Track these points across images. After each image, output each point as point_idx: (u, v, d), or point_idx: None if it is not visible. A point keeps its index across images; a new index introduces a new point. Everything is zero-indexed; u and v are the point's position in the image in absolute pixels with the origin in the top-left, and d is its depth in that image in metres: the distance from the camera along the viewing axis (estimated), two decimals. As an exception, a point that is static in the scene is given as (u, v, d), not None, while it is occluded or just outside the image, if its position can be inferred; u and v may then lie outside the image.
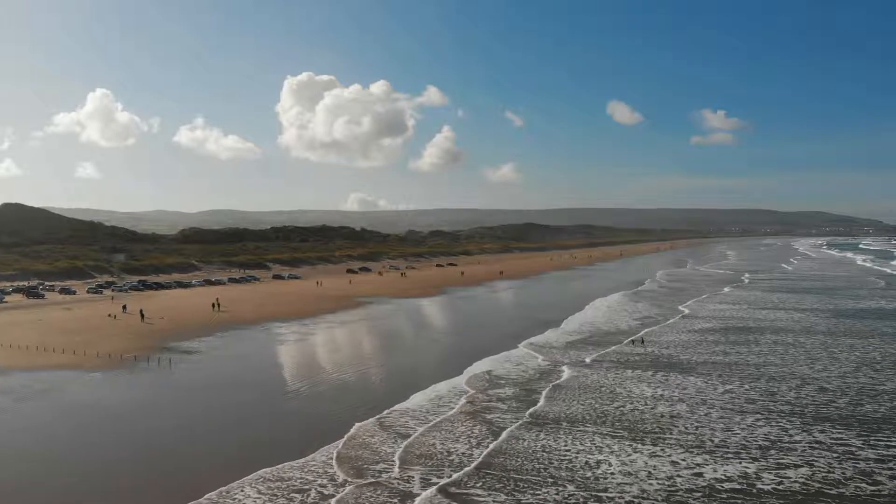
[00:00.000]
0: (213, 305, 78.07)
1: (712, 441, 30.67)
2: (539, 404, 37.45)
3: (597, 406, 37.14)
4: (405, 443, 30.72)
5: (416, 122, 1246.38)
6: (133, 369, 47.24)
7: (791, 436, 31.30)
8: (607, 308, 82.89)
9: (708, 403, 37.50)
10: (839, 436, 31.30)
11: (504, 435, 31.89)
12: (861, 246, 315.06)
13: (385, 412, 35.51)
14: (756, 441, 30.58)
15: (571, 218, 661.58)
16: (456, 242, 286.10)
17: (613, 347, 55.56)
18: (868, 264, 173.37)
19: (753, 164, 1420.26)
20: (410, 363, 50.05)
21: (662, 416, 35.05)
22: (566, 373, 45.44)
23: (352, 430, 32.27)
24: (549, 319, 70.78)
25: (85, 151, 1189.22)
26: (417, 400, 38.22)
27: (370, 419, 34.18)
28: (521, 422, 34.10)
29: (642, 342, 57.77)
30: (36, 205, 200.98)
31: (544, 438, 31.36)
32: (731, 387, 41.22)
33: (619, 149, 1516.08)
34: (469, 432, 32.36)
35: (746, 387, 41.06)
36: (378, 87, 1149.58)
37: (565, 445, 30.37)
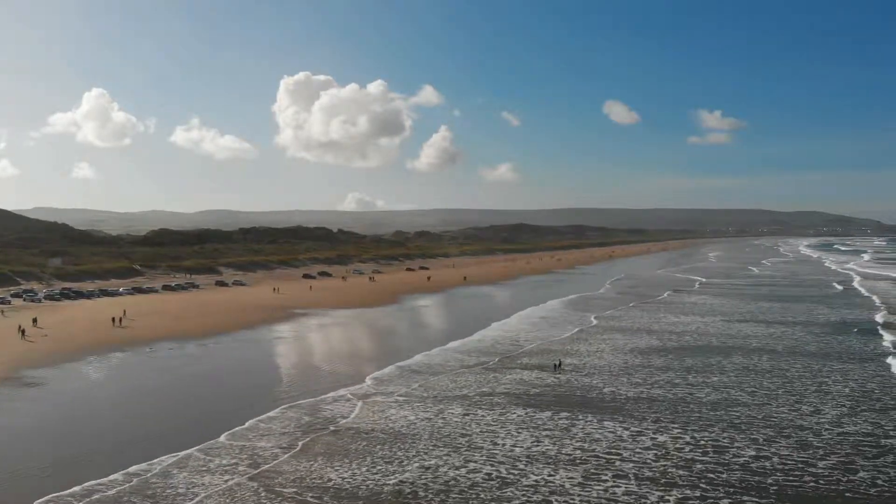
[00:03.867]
0: (114, 320, 69.14)
1: (604, 545, 21.72)
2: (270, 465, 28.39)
3: (438, 472, 27.83)
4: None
5: (412, 121, 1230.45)
6: (-52, 408, 38.55)
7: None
8: (540, 318, 75.17)
9: (617, 468, 28.18)
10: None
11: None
12: (836, 246, 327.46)
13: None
14: (669, 542, 21.75)
15: (568, 218, 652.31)
16: (438, 244, 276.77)
17: (514, 374, 46.31)
18: (834, 266, 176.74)
19: (750, 163, 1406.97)
20: (250, 401, 40.11)
21: (535, 492, 25.41)
22: (414, 415, 36.51)
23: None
24: (468, 331, 65.74)
25: (81, 151, 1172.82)
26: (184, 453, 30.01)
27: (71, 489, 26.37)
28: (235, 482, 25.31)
29: (560, 365, 48.08)
30: (33, 205, 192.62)
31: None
32: (663, 438, 32.25)
33: (616, 148, 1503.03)
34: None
35: (687, 438, 32.15)
36: (375, 87, 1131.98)
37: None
